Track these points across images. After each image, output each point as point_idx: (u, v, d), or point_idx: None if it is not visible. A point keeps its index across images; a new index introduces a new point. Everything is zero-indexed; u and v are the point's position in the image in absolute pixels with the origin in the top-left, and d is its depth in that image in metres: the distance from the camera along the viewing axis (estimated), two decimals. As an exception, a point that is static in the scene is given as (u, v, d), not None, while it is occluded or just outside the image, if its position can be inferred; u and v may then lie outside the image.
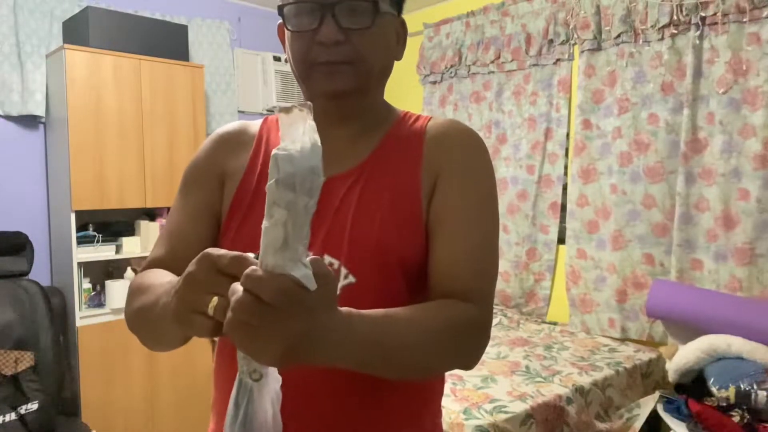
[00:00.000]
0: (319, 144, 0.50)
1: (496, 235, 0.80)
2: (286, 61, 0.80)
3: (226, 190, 0.85)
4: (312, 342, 0.51)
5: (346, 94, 0.78)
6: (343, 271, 0.74)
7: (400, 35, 0.84)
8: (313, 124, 0.51)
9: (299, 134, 0.50)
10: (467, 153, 0.81)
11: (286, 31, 0.80)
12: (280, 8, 0.77)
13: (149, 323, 0.68)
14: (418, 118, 0.87)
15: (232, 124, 0.91)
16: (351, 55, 0.75)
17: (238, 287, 0.49)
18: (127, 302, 0.76)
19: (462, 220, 0.77)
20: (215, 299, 0.52)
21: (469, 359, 0.73)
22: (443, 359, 0.70)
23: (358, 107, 0.81)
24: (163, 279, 0.70)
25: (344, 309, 0.57)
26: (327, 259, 0.75)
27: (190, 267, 0.54)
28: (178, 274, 0.69)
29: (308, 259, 0.50)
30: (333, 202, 0.77)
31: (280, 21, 0.80)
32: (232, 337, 0.49)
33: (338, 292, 0.72)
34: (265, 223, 0.50)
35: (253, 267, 0.49)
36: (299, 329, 0.49)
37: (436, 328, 0.67)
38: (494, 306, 3.40)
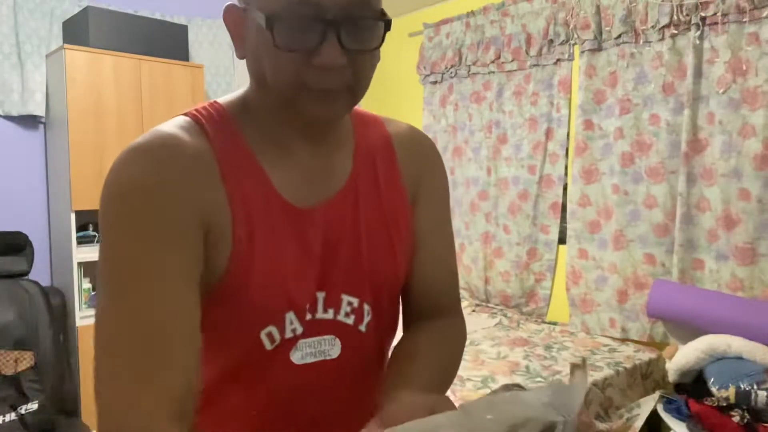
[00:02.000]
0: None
1: (453, 237, 0.86)
2: (240, 57, 0.66)
3: (212, 237, 0.62)
4: None
5: (337, 120, 0.67)
6: (366, 307, 0.73)
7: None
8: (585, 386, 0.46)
9: (574, 403, 0.44)
10: (438, 169, 0.82)
11: (258, 38, 0.61)
12: (270, 21, 0.58)
13: None
14: (373, 120, 0.78)
15: (160, 139, 0.63)
16: (351, 80, 0.62)
17: None
18: None
19: (439, 236, 0.81)
20: None
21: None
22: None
23: (336, 127, 0.72)
24: None
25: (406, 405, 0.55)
26: (347, 298, 0.71)
27: None
28: (186, 420, 0.53)
29: None
30: (340, 231, 0.70)
31: (232, 4, 0.65)
32: None
33: (363, 329, 0.73)
34: None
35: None
36: None
37: (454, 361, 0.78)
38: (494, 306, 3.40)
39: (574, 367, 0.48)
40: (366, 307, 0.72)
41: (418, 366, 0.70)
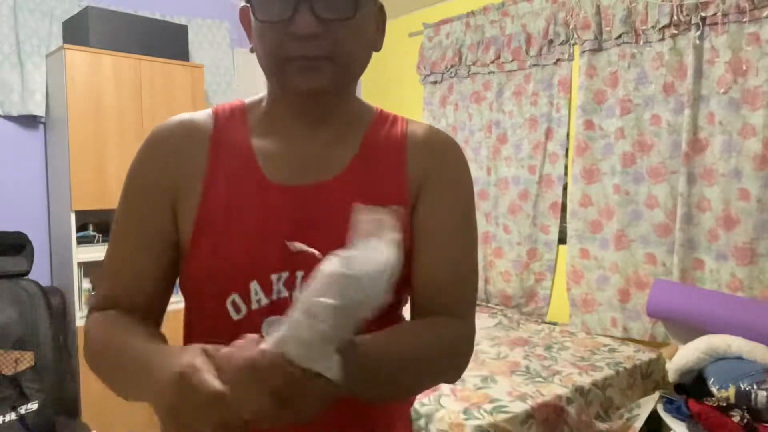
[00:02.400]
0: (396, 260, 0.45)
1: (476, 248, 0.80)
2: (251, 51, 0.75)
3: (181, 206, 0.72)
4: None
5: (323, 93, 0.69)
6: None
7: (379, 23, 0.75)
8: (396, 236, 0.46)
9: (375, 248, 0.45)
10: (452, 165, 0.78)
11: (252, 19, 0.69)
12: None
13: (126, 393, 0.66)
14: (395, 119, 0.81)
15: (171, 121, 0.76)
16: (330, 49, 0.65)
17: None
18: (90, 355, 0.71)
19: (447, 235, 0.75)
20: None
21: (458, 373, 0.76)
22: (436, 378, 0.74)
23: (336, 106, 0.74)
24: (132, 348, 0.64)
25: (359, 350, 0.57)
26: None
27: (169, 397, 0.50)
28: (135, 312, 0.72)
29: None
30: (330, 212, 0.71)
31: (243, 4, 0.71)
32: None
33: None
34: (297, 316, 0.46)
35: (255, 357, 0.48)
36: (325, 399, 0.51)
37: (432, 353, 0.70)
38: (494, 306, 3.41)
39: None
40: None
41: (378, 336, 0.63)
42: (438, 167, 0.77)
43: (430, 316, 0.75)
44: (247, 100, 0.80)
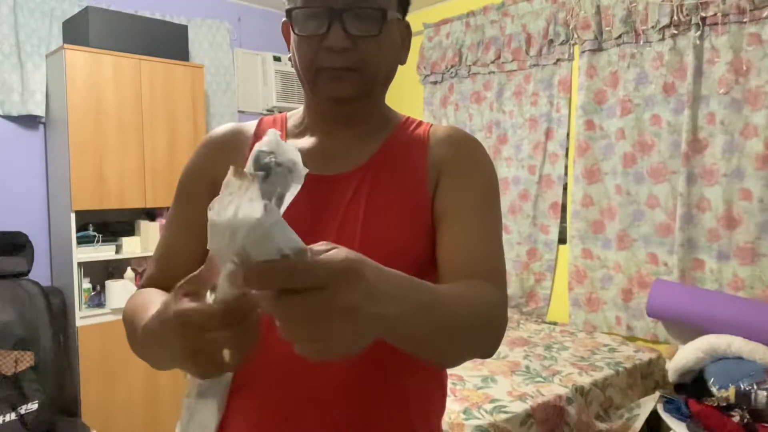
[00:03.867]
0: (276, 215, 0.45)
1: (500, 230, 0.80)
2: (289, 59, 0.88)
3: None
4: (375, 302, 0.47)
5: (350, 100, 0.78)
6: None
7: (404, 39, 0.84)
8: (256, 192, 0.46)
9: (246, 200, 0.45)
10: (470, 152, 0.82)
11: (292, 33, 0.79)
12: (289, 11, 0.76)
13: (154, 358, 0.69)
14: (420, 123, 0.87)
15: (223, 127, 0.88)
16: (357, 61, 0.75)
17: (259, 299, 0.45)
18: (129, 331, 0.76)
19: (470, 209, 0.77)
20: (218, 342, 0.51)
21: (494, 341, 0.70)
22: (474, 336, 0.66)
23: (361, 111, 0.82)
24: (154, 299, 0.69)
25: (395, 272, 0.54)
26: None
27: (182, 346, 0.52)
28: (170, 290, 0.73)
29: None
30: (341, 202, 0.77)
31: (285, 19, 0.81)
32: (305, 348, 0.45)
33: None
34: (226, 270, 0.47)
35: (264, 265, 0.43)
36: (359, 296, 0.45)
37: (476, 304, 0.65)
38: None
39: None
40: None
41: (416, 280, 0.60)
42: (456, 156, 0.81)
43: None
44: (289, 112, 0.91)
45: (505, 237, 3.26)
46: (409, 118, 0.89)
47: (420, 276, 0.65)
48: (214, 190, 0.75)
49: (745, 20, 2.31)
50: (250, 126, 0.88)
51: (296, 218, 0.69)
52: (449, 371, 2.19)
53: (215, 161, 0.83)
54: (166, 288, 0.76)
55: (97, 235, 2.88)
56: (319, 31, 0.74)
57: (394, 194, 0.78)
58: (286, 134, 0.86)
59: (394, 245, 0.75)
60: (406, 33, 0.84)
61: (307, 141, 0.83)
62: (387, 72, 0.80)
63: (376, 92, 0.81)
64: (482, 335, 0.67)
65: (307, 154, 0.78)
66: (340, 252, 0.46)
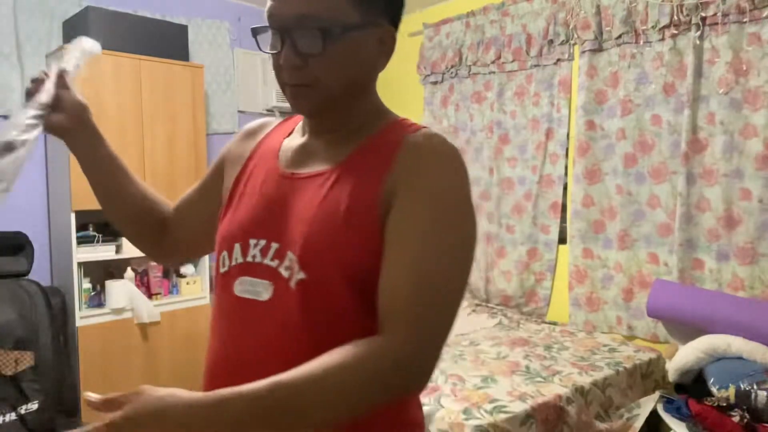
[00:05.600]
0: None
1: (459, 261, 0.74)
2: None
3: (226, 176, 0.95)
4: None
5: (313, 113, 0.82)
6: (296, 266, 0.76)
7: (386, 43, 0.81)
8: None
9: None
10: (428, 171, 0.75)
11: None
12: (253, 30, 0.82)
13: None
14: (407, 126, 0.83)
15: (257, 120, 1.00)
16: (308, 79, 0.77)
17: None
18: None
19: (414, 241, 0.72)
20: None
21: (390, 394, 0.68)
22: (355, 406, 0.67)
23: (335, 121, 0.83)
24: None
25: (214, 394, 0.64)
26: (290, 255, 0.78)
27: None
28: (174, 225, 1.03)
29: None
30: (300, 199, 0.80)
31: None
32: None
33: (293, 286, 0.76)
34: None
35: None
36: None
37: (335, 381, 0.65)
38: (495, 306, 3.38)
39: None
40: (296, 265, 0.76)
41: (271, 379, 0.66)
42: (413, 173, 0.75)
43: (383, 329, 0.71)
44: None
45: (508, 237, 3.26)
46: (403, 120, 0.85)
47: (354, 285, 0.75)
48: (222, 168, 0.98)
49: (745, 20, 2.31)
50: (272, 122, 0.97)
51: (255, 210, 0.84)
52: (449, 371, 2.20)
53: (235, 144, 0.97)
54: (174, 218, 1.03)
55: (97, 235, 2.88)
56: (275, 50, 0.78)
57: (345, 202, 0.75)
58: (287, 135, 0.92)
59: (336, 254, 0.74)
60: (387, 38, 0.81)
61: (299, 140, 0.88)
62: (345, 86, 0.79)
63: (341, 105, 0.81)
64: (363, 406, 0.67)
65: (290, 153, 0.87)
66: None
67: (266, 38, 0.80)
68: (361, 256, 0.74)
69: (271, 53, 0.79)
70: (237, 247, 0.83)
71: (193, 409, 0.63)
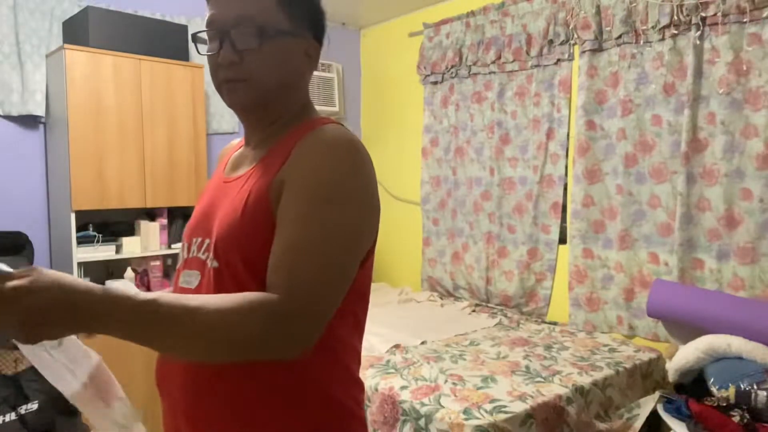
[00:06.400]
0: None
1: (336, 237, 0.78)
2: None
3: None
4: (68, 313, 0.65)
5: (246, 108, 0.90)
6: (212, 255, 0.86)
7: (311, 56, 0.94)
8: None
9: None
10: (318, 158, 0.81)
11: None
12: (193, 36, 0.92)
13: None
14: (319, 123, 0.89)
15: (228, 143, 1.11)
16: (243, 73, 0.86)
17: None
18: None
19: (293, 220, 0.79)
20: None
21: (259, 340, 0.71)
22: (220, 340, 0.70)
23: (264, 119, 0.92)
24: None
25: (108, 291, 0.69)
26: (204, 242, 0.90)
27: None
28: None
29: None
30: (226, 200, 0.90)
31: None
32: None
33: (211, 274, 0.86)
34: None
35: None
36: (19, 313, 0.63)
37: (217, 304, 0.70)
38: (495, 306, 3.38)
39: None
40: (211, 255, 0.87)
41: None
42: (299, 163, 0.82)
43: None
44: None
45: (509, 237, 3.26)
46: (317, 119, 0.92)
47: (252, 272, 0.82)
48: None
49: (745, 20, 2.31)
50: (240, 140, 1.05)
51: (198, 214, 0.96)
52: (449, 371, 2.20)
53: (214, 174, 1.05)
54: None
55: (97, 235, 2.88)
56: (213, 50, 0.87)
57: (246, 197, 0.85)
58: (243, 145, 1.01)
59: (235, 243, 0.83)
60: (313, 52, 0.94)
61: (241, 149, 1.00)
62: (278, 83, 0.88)
63: (271, 100, 0.90)
64: (225, 336, 0.70)
65: (232, 161, 0.99)
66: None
67: (205, 43, 0.91)
68: (256, 245, 0.81)
69: (210, 54, 0.88)
70: (185, 246, 0.96)
71: (89, 294, 0.67)
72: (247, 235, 0.83)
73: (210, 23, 0.88)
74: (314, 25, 0.93)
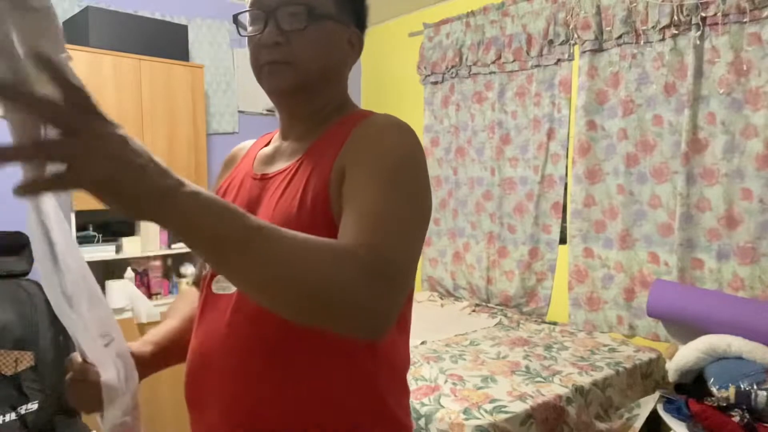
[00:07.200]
0: None
1: (409, 213, 0.73)
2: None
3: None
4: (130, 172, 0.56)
5: (288, 92, 0.85)
6: None
7: (354, 45, 0.90)
8: None
9: None
10: (379, 137, 0.80)
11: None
12: (235, 17, 0.87)
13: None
14: (366, 115, 0.86)
15: (237, 146, 1.05)
16: (288, 55, 0.82)
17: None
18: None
19: (363, 195, 0.72)
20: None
21: (349, 295, 0.61)
22: (323, 279, 0.60)
23: (306, 106, 0.88)
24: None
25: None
26: None
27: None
28: None
29: None
30: (266, 196, 0.86)
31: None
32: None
33: None
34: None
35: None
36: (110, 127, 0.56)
37: (308, 240, 0.62)
38: (495, 306, 3.38)
39: None
40: None
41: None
42: (360, 146, 0.79)
43: None
44: None
45: (510, 237, 3.26)
46: (360, 112, 0.88)
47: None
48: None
49: (745, 20, 2.31)
50: (250, 143, 1.03)
51: None
52: (449, 371, 2.20)
53: (219, 179, 1.04)
54: None
55: (97, 235, 2.89)
56: (257, 31, 0.83)
57: (299, 191, 0.80)
58: (266, 143, 0.97)
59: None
60: (356, 40, 0.90)
61: (271, 144, 0.96)
62: (322, 67, 0.85)
63: (316, 87, 0.86)
64: (327, 276, 0.61)
65: (263, 157, 0.93)
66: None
67: (247, 25, 0.86)
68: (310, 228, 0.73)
69: (252, 35, 0.84)
70: None
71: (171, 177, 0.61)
72: (303, 229, 0.70)
73: (254, 2, 0.84)
74: (358, 15, 0.90)
